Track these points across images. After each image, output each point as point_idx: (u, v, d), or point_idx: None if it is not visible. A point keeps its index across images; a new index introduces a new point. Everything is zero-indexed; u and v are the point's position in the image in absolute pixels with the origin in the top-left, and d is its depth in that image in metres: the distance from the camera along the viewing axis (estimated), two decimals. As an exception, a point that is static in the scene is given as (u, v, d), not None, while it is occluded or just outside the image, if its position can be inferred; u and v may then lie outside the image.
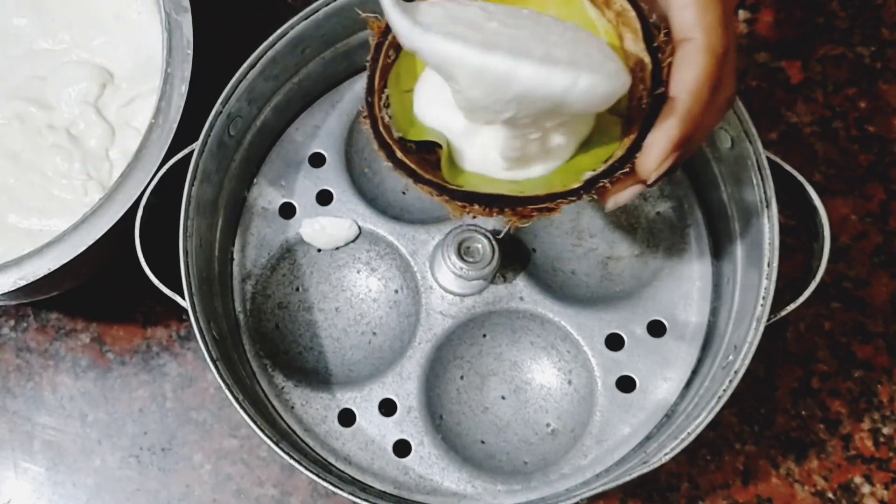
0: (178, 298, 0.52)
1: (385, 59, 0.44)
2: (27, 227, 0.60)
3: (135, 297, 0.66)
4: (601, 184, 0.42)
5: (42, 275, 0.54)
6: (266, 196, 0.60)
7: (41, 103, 0.62)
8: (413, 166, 0.43)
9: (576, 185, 0.43)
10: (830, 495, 0.62)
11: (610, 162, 0.42)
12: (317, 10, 0.55)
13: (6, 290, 0.54)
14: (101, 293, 0.66)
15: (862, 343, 0.64)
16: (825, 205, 0.66)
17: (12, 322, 0.66)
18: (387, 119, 0.44)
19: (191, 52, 0.57)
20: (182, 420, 0.64)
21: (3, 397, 0.65)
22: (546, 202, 0.43)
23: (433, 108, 0.44)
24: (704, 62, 0.40)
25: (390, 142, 0.43)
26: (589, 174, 0.42)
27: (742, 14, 0.70)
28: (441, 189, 0.42)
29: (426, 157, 0.44)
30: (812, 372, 0.64)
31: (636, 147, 0.42)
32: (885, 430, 0.62)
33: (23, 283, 0.54)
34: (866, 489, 0.61)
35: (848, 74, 0.69)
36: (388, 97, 0.44)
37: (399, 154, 0.43)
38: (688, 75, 0.40)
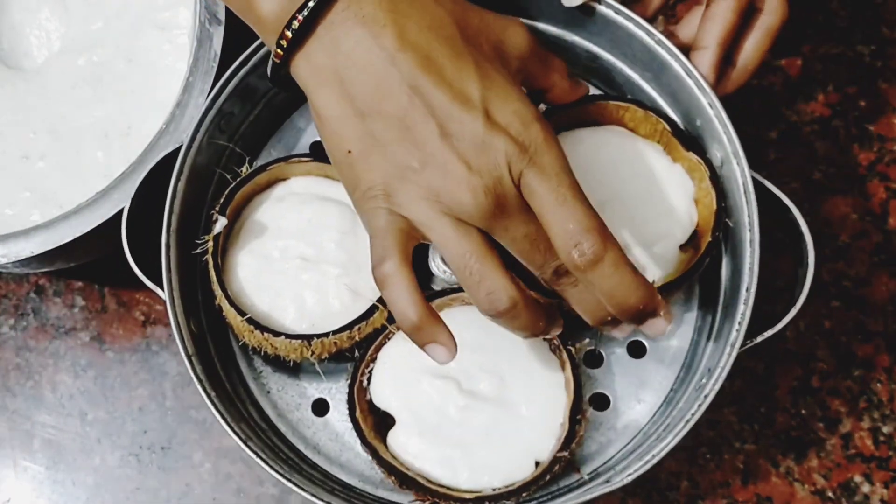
0: (158, 290, 0.52)
1: (383, 339, 0.54)
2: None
3: (134, 296, 0.66)
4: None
5: (58, 244, 0.55)
6: None
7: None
8: (364, 428, 0.52)
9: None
10: (830, 494, 0.62)
11: None
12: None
13: (25, 256, 0.55)
14: (101, 292, 0.66)
15: (862, 342, 0.64)
16: (825, 203, 0.66)
17: (12, 321, 0.66)
18: (364, 383, 0.53)
19: (216, 65, 0.56)
20: (182, 419, 0.64)
21: (3, 396, 0.65)
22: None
23: (385, 391, 0.53)
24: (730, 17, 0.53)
25: (356, 401, 0.52)
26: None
27: (742, 13, 0.70)
28: (374, 455, 0.51)
29: (387, 421, 0.53)
30: (812, 371, 0.63)
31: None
32: (885, 429, 0.62)
33: (41, 250, 0.55)
34: (866, 488, 0.61)
35: (848, 73, 0.69)
36: (373, 367, 0.53)
37: (358, 413, 0.52)
38: (716, 28, 0.53)
